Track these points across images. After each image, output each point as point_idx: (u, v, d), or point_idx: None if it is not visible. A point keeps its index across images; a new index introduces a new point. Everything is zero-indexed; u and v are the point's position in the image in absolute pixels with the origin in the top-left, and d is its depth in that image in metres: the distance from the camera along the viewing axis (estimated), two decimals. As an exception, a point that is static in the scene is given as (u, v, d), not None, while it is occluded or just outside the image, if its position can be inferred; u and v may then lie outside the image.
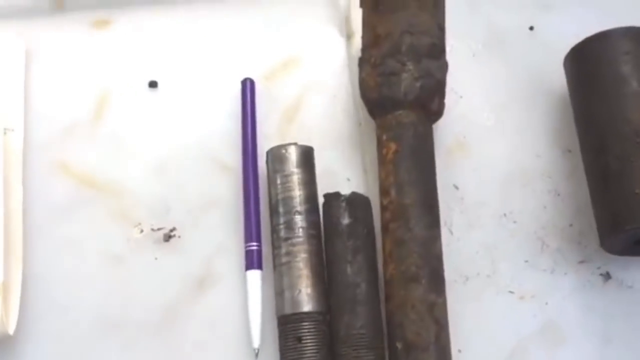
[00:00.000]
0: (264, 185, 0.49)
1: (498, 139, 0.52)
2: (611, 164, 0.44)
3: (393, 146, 0.46)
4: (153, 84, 0.53)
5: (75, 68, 0.54)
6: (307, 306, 0.43)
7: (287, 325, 0.43)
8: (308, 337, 0.42)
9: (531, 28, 0.56)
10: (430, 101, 0.47)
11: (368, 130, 0.52)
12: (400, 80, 0.46)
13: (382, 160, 0.47)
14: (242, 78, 0.53)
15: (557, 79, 0.52)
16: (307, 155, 0.48)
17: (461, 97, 0.53)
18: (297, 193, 0.47)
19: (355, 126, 0.52)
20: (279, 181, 0.47)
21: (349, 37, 0.56)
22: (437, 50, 0.48)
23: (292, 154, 0.47)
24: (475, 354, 0.45)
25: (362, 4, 0.50)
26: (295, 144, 0.48)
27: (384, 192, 0.46)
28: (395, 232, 0.44)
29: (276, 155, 0.48)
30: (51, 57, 0.55)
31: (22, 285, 0.46)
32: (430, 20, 0.48)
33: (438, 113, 0.48)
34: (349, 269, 0.44)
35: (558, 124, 0.52)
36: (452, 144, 0.52)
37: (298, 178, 0.47)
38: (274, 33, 0.56)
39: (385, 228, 0.45)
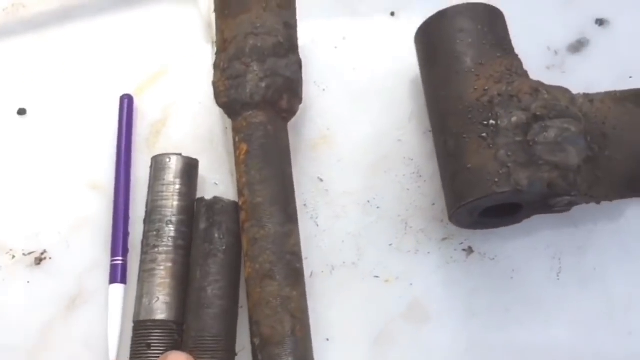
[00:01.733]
0: (138, 200, 0.50)
1: (361, 128, 0.53)
2: (448, 142, 0.44)
3: (244, 147, 0.47)
4: (22, 112, 0.54)
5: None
6: (161, 314, 0.44)
7: (139, 331, 0.44)
8: (158, 345, 0.42)
9: (392, 14, 0.57)
10: (279, 100, 0.48)
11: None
12: (246, 81, 0.47)
13: (236, 161, 0.47)
14: (111, 95, 0.54)
15: (416, 61, 0.53)
16: (189, 167, 0.49)
17: (324, 90, 0.54)
18: (173, 203, 0.47)
19: (222, 131, 0.53)
20: (157, 189, 0.48)
21: (213, 43, 0.57)
22: (284, 49, 0.48)
23: (174, 164, 0.48)
24: (343, 341, 0.46)
25: (214, 10, 0.52)
26: (179, 154, 0.49)
27: (239, 193, 0.46)
28: (249, 231, 0.45)
29: (159, 164, 0.48)
30: None
31: None
32: (274, 20, 0.49)
33: (290, 111, 0.49)
34: (198, 274, 0.44)
35: (417, 107, 0.53)
36: (317, 138, 0.52)
37: (177, 188, 0.48)
38: (140, 47, 0.57)
39: (242, 228, 0.46)
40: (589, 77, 0.52)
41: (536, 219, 0.47)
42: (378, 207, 0.50)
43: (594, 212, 0.48)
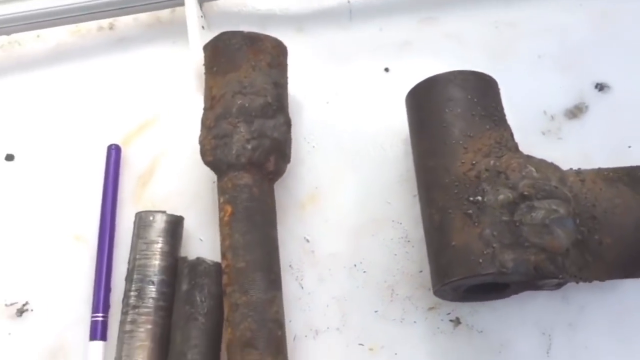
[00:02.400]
0: (123, 253, 0.50)
1: (349, 187, 0.52)
2: (434, 216, 0.43)
3: (229, 209, 0.46)
4: (10, 157, 0.54)
5: None
6: (140, 379, 0.43)
7: (116, 395, 0.43)
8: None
9: (386, 69, 0.56)
10: (265, 161, 0.47)
11: (222, 189, 0.52)
12: (232, 142, 0.46)
13: (220, 223, 0.47)
14: (99, 144, 0.54)
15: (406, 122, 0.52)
16: (174, 225, 0.48)
17: (314, 147, 0.53)
18: (155, 262, 0.47)
19: (210, 186, 0.53)
20: (139, 247, 0.47)
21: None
22: (272, 109, 0.48)
23: (158, 222, 0.48)
24: (323, 411, 0.45)
25: (204, 66, 0.51)
26: (164, 212, 0.48)
27: (222, 255, 0.46)
28: (231, 296, 0.44)
29: (142, 221, 0.48)
30: None
31: None
32: (263, 79, 0.48)
33: (276, 172, 0.48)
34: (178, 337, 0.44)
35: (409, 168, 0.51)
36: (305, 197, 0.51)
37: (159, 247, 0.47)
38: (130, 94, 0.57)
39: (224, 292, 0.45)
40: (586, 144, 0.51)
41: (526, 294, 0.46)
42: (364, 272, 0.49)
43: (586, 288, 0.46)
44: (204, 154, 0.48)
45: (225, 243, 0.46)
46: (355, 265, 0.49)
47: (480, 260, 0.40)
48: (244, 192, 0.46)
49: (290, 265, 0.49)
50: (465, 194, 0.42)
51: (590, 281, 0.43)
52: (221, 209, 0.47)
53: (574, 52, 0.54)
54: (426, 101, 0.46)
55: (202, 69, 0.54)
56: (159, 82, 0.57)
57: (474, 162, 0.43)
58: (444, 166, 0.44)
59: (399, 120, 0.52)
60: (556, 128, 0.52)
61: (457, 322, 0.47)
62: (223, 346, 0.45)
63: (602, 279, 0.42)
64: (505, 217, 0.41)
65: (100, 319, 0.47)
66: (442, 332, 0.47)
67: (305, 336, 0.47)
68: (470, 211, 0.41)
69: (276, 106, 0.48)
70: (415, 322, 0.47)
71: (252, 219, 0.46)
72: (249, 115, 0.47)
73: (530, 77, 0.54)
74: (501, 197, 0.41)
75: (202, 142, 0.48)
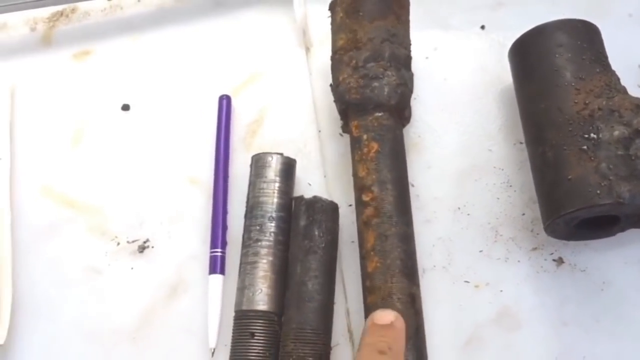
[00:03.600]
0: (233, 195, 0.53)
1: (451, 136, 0.54)
2: (547, 153, 0.45)
3: (375, 146, 0.49)
4: (125, 107, 0.58)
5: (56, 98, 0.59)
6: (263, 305, 0.46)
7: (242, 320, 0.46)
8: (260, 334, 0.45)
9: (482, 27, 0.58)
10: (405, 107, 0.51)
11: (326, 137, 0.55)
12: (383, 84, 0.49)
13: (362, 158, 0.49)
14: (209, 96, 0.57)
15: (506, 74, 0.54)
16: (288, 167, 0.51)
17: (415, 98, 0.55)
18: (274, 200, 0.50)
19: (315, 134, 0.55)
20: (258, 186, 0.50)
21: (307, 49, 0.59)
22: (409, 62, 0.52)
23: (275, 163, 0.51)
24: (433, 343, 0.47)
25: (335, 9, 0.53)
26: (280, 154, 0.51)
27: (364, 189, 0.48)
28: (379, 227, 0.46)
29: (260, 162, 0.51)
30: (35, 90, 0.60)
31: (12, 299, 0.50)
32: (405, 33, 0.52)
33: (408, 119, 0.52)
34: (298, 268, 0.46)
35: (508, 118, 0.54)
36: (408, 144, 0.53)
37: (276, 186, 0.50)
38: (234, 51, 0.60)
39: (366, 223, 0.47)
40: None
41: (628, 232, 0.47)
42: (468, 214, 0.51)
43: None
44: (348, 91, 0.50)
45: (370, 177, 0.48)
46: (459, 208, 0.51)
47: (598, 192, 0.42)
48: (390, 132, 0.49)
49: (395, 208, 0.52)
50: (580, 132, 0.44)
51: None
52: (365, 146, 0.49)
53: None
54: (535, 48, 0.49)
55: (306, 25, 0.56)
56: (263, 38, 0.60)
57: (586, 102, 0.45)
58: (556, 107, 0.46)
59: (495, 74, 0.55)
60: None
61: (560, 261, 0.49)
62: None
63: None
64: (620, 151, 0.43)
65: (219, 254, 0.50)
66: (546, 271, 0.49)
67: (413, 274, 0.50)
68: (585, 147, 0.43)
69: (410, 60, 0.52)
70: (519, 261, 0.49)
71: (396, 158, 0.49)
72: (398, 63, 0.50)
73: (622, 33, 0.56)
74: (616, 133, 0.43)
75: (345, 80, 0.50)
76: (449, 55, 0.57)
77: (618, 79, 0.47)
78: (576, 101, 0.45)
